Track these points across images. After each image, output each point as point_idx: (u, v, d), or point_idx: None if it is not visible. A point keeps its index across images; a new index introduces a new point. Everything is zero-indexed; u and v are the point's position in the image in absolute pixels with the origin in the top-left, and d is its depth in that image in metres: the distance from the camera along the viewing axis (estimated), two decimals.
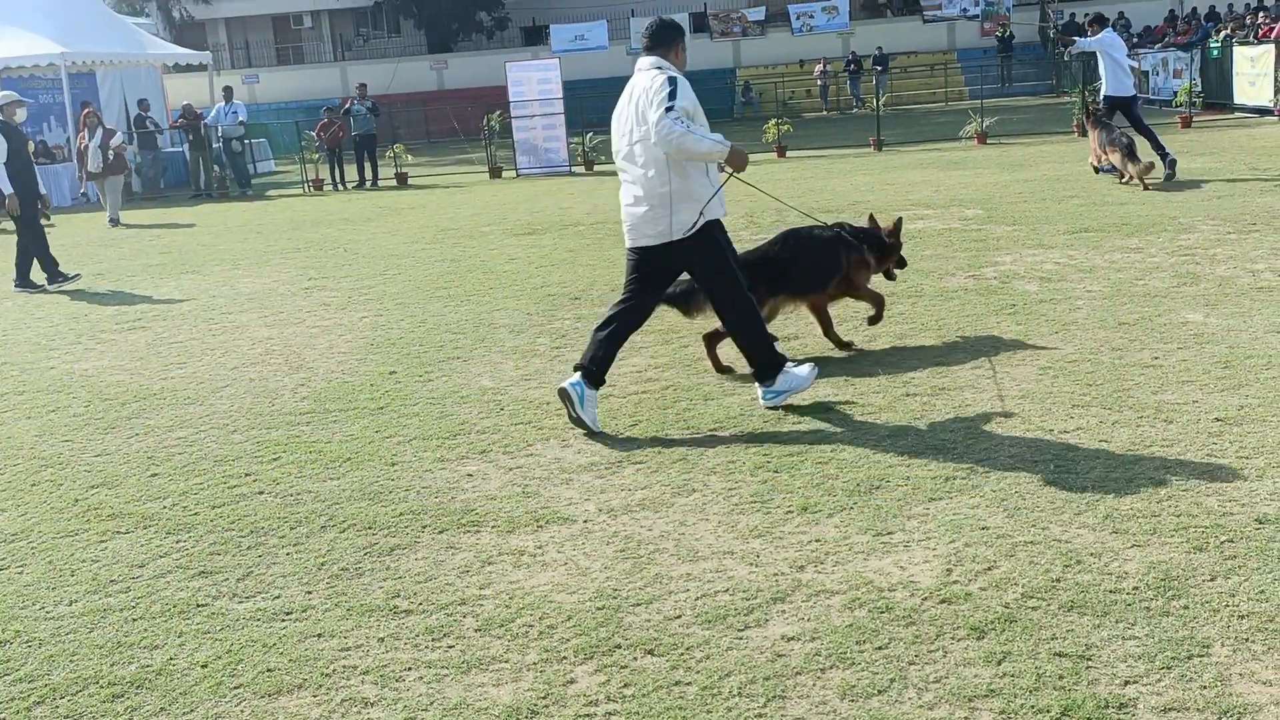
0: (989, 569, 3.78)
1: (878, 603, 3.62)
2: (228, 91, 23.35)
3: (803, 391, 5.72)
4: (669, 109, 5.26)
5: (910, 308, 7.64)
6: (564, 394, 5.59)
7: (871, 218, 6.89)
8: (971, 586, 3.67)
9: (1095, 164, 13.37)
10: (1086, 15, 36.84)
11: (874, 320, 6.85)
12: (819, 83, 35.84)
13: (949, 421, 5.31)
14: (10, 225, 12.24)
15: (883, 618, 3.52)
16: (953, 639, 3.36)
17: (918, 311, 7.52)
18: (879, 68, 34.00)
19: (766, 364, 5.67)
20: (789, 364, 5.75)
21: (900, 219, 7.04)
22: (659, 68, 5.49)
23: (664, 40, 5.60)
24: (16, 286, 11.52)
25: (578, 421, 5.56)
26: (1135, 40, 31.18)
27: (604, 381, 5.65)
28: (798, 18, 35.96)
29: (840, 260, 6.55)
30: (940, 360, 6.34)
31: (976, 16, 36.84)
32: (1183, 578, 3.61)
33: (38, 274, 11.70)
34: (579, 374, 5.58)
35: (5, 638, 3.81)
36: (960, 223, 11.12)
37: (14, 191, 11.20)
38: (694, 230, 5.46)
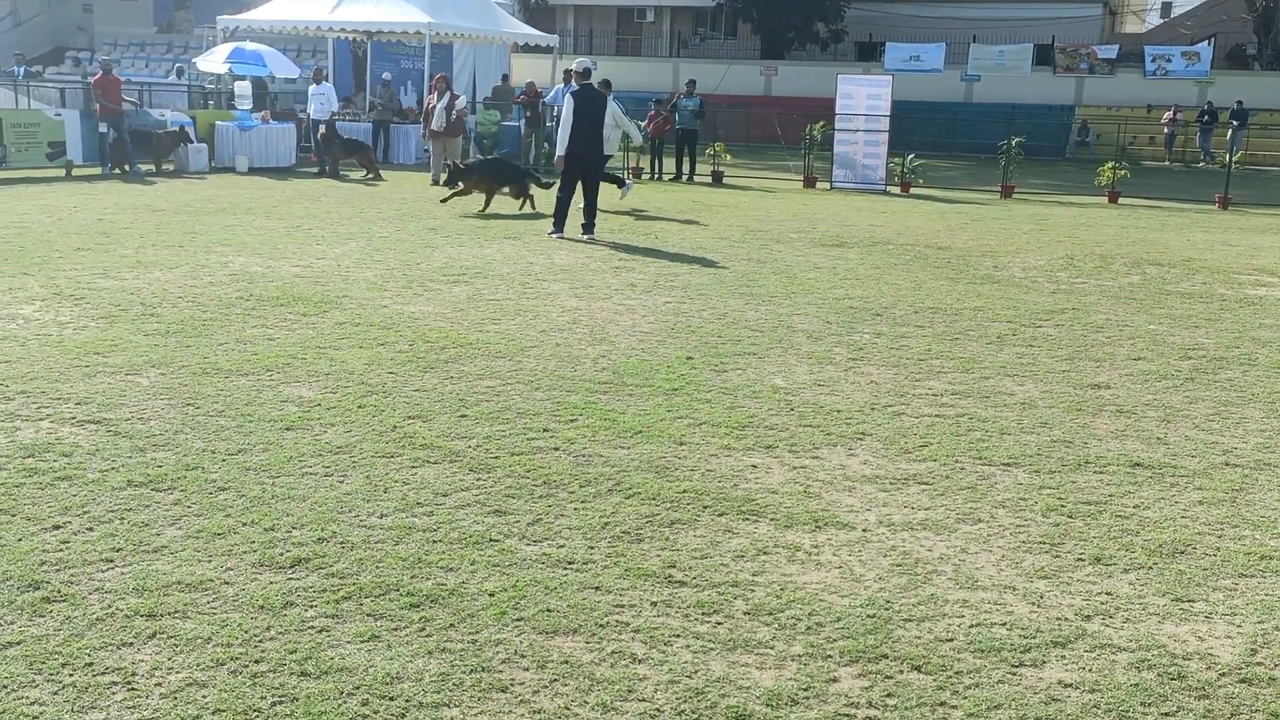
0: None
1: (1169, 668, 3.41)
2: (568, 75, 24.47)
3: None
4: None
5: (1241, 375, 7.10)
6: None
7: None
8: (1278, 671, 3.40)
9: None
10: None
11: None
12: (1166, 130, 33.67)
13: (1271, 498, 4.91)
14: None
15: (1173, 684, 3.32)
16: None
17: (1249, 380, 6.98)
18: (1236, 122, 31.59)
19: None
20: None
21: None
22: None
23: None
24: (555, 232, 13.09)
25: None
26: None
27: None
28: (1153, 60, 33.96)
29: None
30: (1268, 434, 5.86)
31: None
32: None
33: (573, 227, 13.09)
34: None
35: (324, 535, 4.20)
36: None
37: (565, 151, 12.86)
38: None
